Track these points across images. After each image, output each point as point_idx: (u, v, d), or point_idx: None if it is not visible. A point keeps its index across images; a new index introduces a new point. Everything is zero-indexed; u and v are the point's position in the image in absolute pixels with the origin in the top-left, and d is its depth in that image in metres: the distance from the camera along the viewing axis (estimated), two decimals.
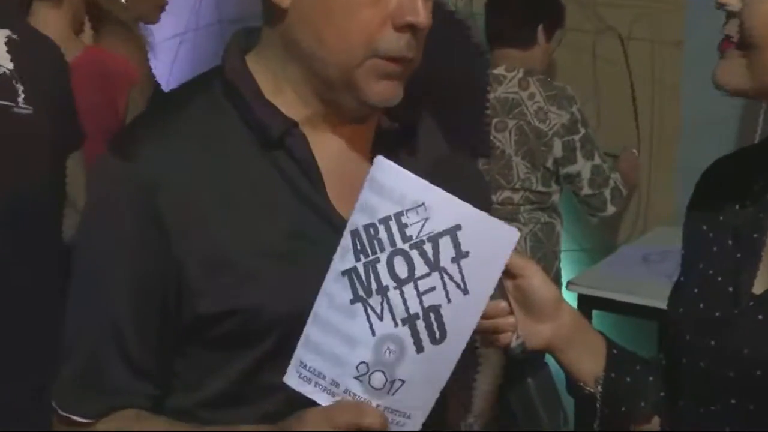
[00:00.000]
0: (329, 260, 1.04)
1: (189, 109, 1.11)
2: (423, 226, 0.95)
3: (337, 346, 0.98)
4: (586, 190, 2.80)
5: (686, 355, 1.10)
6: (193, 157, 1.07)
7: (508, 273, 1.07)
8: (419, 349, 0.96)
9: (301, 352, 1.00)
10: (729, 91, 1.02)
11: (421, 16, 1.05)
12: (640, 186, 3.24)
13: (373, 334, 0.97)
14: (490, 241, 0.96)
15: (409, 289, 0.96)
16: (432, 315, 0.96)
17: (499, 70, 2.76)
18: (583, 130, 2.76)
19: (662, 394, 1.17)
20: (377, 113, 1.16)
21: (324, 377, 0.99)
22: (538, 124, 2.72)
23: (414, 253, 0.96)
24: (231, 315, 1.07)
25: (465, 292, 0.96)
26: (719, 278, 1.08)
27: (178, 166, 1.06)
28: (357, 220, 0.98)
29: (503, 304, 1.06)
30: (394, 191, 0.97)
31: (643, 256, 2.87)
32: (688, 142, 3.08)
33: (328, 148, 1.13)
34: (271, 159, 1.09)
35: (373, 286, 0.97)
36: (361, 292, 0.97)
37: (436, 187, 0.96)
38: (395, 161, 1.14)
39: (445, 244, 0.95)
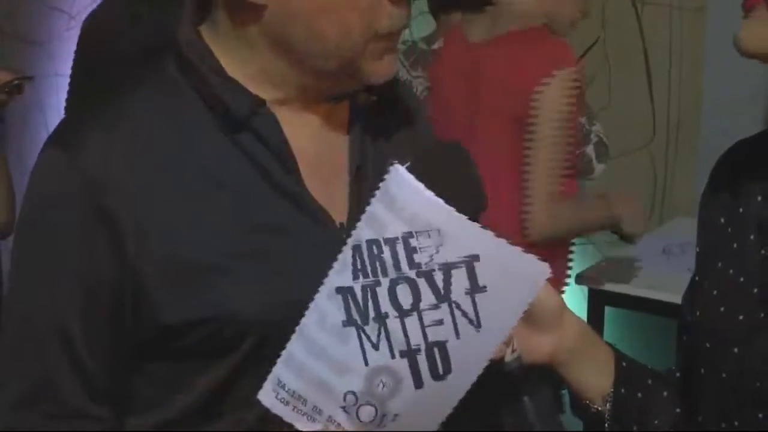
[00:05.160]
0: (308, 256, 1.04)
1: (140, 92, 1.09)
2: (435, 253, 0.92)
3: (324, 370, 0.96)
4: None
5: (705, 364, 1.08)
6: (147, 146, 1.05)
7: None
8: (418, 384, 0.95)
9: (281, 370, 0.98)
10: (757, 57, 0.98)
11: None
12: (657, 172, 3.22)
13: (366, 363, 0.95)
14: (514, 275, 0.93)
15: (411, 321, 0.94)
16: (436, 350, 0.94)
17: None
18: None
19: (678, 410, 1.16)
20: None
21: (305, 402, 0.97)
22: None
23: (421, 282, 0.93)
24: (199, 324, 1.05)
25: (477, 327, 0.93)
26: (741, 278, 1.06)
27: (130, 157, 1.04)
28: (361, 233, 0.95)
29: None
30: (406, 209, 0.93)
31: (663, 247, 2.87)
32: (711, 122, 3.07)
33: (300, 129, 1.12)
34: (237, 143, 1.07)
35: (371, 312, 0.94)
36: (356, 316, 0.95)
37: (453, 211, 0.92)
38: (372, 139, 1.15)
39: (459, 275, 0.92)
